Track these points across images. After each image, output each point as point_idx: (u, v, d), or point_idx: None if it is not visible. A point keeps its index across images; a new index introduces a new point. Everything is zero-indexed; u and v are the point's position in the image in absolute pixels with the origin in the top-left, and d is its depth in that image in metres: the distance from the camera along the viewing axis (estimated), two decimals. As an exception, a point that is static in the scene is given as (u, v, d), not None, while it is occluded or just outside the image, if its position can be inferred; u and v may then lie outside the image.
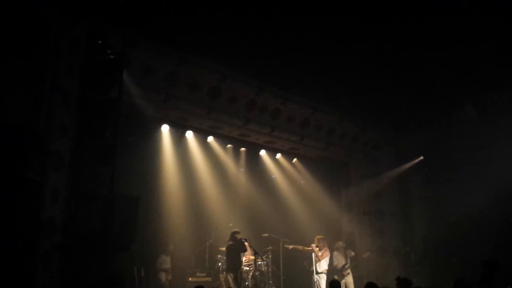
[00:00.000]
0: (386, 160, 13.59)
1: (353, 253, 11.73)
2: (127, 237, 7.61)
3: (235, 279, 10.23)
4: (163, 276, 10.46)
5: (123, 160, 7.96)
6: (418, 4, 8.19)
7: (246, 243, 10.57)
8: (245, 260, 10.93)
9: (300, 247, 11.36)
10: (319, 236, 11.18)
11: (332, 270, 11.13)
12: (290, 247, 11.40)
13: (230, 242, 10.46)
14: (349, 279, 11.12)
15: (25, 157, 6.42)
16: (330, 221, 13.50)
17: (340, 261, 11.30)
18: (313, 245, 10.96)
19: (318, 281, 10.71)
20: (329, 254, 11.03)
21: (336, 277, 10.74)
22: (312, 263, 10.95)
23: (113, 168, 7.26)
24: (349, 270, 11.23)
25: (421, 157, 13.03)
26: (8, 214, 5.99)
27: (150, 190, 10.49)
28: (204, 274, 10.94)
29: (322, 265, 10.84)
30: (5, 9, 6.16)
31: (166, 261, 10.63)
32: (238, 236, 10.50)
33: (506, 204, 11.30)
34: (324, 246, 11.01)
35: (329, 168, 13.97)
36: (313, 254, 10.94)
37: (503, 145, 11.38)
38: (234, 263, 10.35)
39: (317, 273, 10.79)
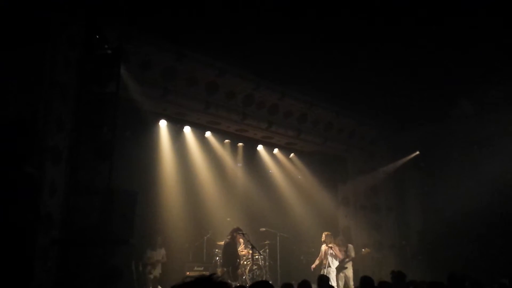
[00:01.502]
0: (383, 155, 13.67)
1: (351, 246, 11.80)
2: (125, 232, 7.63)
3: (231, 274, 10.33)
4: (148, 270, 10.25)
5: (121, 154, 7.97)
6: (416, 2, 8.20)
7: (239, 238, 10.68)
8: (242, 254, 11.02)
9: (318, 260, 11.18)
10: (326, 232, 11.24)
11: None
12: (314, 266, 11.14)
13: (228, 240, 10.54)
14: (348, 273, 11.20)
15: (23, 152, 6.43)
16: (327, 215, 13.57)
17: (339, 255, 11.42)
18: (333, 246, 11.01)
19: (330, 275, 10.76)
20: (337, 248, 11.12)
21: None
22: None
23: (111, 163, 7.27)
24: (348, 264, 11.31)
25: (417, 152, 13.11)
26: (6, 209, 6.01)
27: (148, 185, 10.50)
28: (202, 268, 11.01)
29: (336, 262, 10.96)
30: (4, 5, 6.15)
31: (152, 255, 10.36)
32: (237, 235, 10.57)
33: (502, 199, 11.39)
34: (331, 242, 11.07)
35: (326, 163, 14.03)
36: (329, 253, 10.96)
37: (499, 140, 11.46)
38: (230, 259, 10.44)
39: (329, 266, 10.86)
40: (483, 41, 9.16)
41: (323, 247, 11.08)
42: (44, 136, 6.78)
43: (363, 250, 11.97)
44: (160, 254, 10.50)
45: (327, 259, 10.94)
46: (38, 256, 6.52)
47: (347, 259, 11.26)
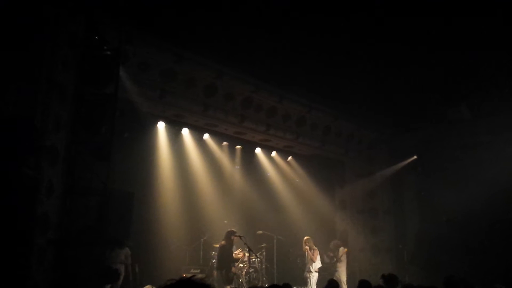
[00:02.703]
0: (380, 159, 13.68)
1: (341, 249, 11.84)
2: (121, 233, 7.64)
3: (224, 276, 10.33)
4: None
5: (119, 156, 7.97)
6: (415, 4, 8.24)
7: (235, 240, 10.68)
8: (239, 257, 11.01)
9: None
10: (307, 237, 11.24)
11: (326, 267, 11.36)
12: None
13: (223, 242, 10.53)
14: (339, 277, 11.24)
15: (20, 152, 6.41)
16: (324, 219, 13.58)
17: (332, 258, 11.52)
18: (307, 248, 11.06)
19: (310, 279, 10.79)
20: (318, 252, 11.13)
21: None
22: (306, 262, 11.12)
23: (109, 164, 7.26)
24: (340, 268, 11.36)
25: (415, 156, 13.12)
26: (3, 209, 5.99)
27: (145, 186, 10.50)
28: (199, 271, 10.99)
29: (317, 264, 10.96)
30: (4, 4, 6.15)
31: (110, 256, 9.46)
32: (234, 237, 10.54)
33: (499, 203, 11.40)
34: (312, 246, 11.10)
35: (323, 166, 14.03)
36: (306, 255, 11.07)
37: (497, 144, 11.47)
38: (224, 262, 10.43)
39: (310, 271, 10.91)
40: (481, 45, 9.19)
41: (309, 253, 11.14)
42: (41, 136, 6.76)
43: (340, 249, 11.90)
44: (120, 255, 9.75)
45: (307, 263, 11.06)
46: (35, 256, 6.50)
47: (336, 262, 11.35)
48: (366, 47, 9.46)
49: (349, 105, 11.93)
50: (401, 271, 10.82)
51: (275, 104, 11.32)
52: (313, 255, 10.99)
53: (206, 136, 11.94)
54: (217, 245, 10.98)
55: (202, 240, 11.61)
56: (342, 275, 11.32)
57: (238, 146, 12.91)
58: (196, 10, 8.13)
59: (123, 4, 7.49)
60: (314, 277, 10.83)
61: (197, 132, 11.64)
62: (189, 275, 2.03)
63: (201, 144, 12.01)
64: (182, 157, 11.73)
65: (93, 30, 7.38)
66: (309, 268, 10.94)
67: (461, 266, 10.51)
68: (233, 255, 10.78)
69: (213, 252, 11.17)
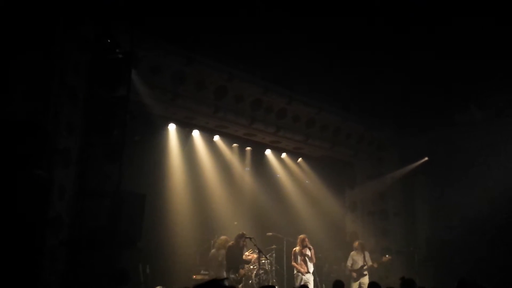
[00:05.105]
0: (391, 161, 13.62)
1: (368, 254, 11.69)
2: (133, 234, 7.67)
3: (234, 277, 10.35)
4: None
5: (130, 158, 8.01)
6: (422, 6, 8.22)
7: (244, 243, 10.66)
8: (249, 259, 11.02)
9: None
10: (302, 236, 11.03)
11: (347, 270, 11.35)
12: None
13: (231, 243, 10.55)
14: (364, 280, 11.14)
15: (33, 154, 6.49)
16: (334, 220, 13.55)
17: (356, 261, 11.33)
18: (310, 246, 10.80)
19: (308, 280, 10.50)
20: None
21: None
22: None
23: (120, 166, 7.31)
24: (364, 271, 11.28)
25: (426, 158, 13.04)
26: (15, 211, 6.07)
27: (156, 188, 10.54)
28: (208, 272, 11.01)
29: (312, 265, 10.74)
30: (15, 8, 6.23)
31: None
32: (242, 240, 10.53)
33: (510, 205, 11.30)
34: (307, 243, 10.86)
35: (333, 168, 14.00)
36: (309, 254, 10.69)
37: (508, 146, 11.37)
38: (232, 263, 10.45)
39: (308, 272, 10.60)
40: (491, 47, 9.13)
41: (298, 249, 10.72)
42: (54, 138, 6.84)
43: (383, 258, 11.70)
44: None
45: (305, 263, 10.58)
46: (47, 258, 6.57)
47: (365, 266, 11.23)
48: (376, 49, 9.44)
49: (358, 107, 11.90)
50: (412, 274, 10.72)
51: (284, 105, 11.34)
52: (313, 254, 10.77)
53: (216, 137, 11.99)
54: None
55: (212, 241, 11.63)
56: (366, 278, 11.19)
57: (248, 148, 12.94)
58: (206, 14, 8.18)
59: (134, 7, 7.55)
60: (312, 279, 10.65)
61: (208, 133, 11.69)
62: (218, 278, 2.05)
63: (211, 145, 12.05)
64: (192, 158, 11.78)
65: (105, 33, 7.44)
66: (308, 270, 10.56)
67: (473, 268, 10.42)
68: (244, 256, 10.79)
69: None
